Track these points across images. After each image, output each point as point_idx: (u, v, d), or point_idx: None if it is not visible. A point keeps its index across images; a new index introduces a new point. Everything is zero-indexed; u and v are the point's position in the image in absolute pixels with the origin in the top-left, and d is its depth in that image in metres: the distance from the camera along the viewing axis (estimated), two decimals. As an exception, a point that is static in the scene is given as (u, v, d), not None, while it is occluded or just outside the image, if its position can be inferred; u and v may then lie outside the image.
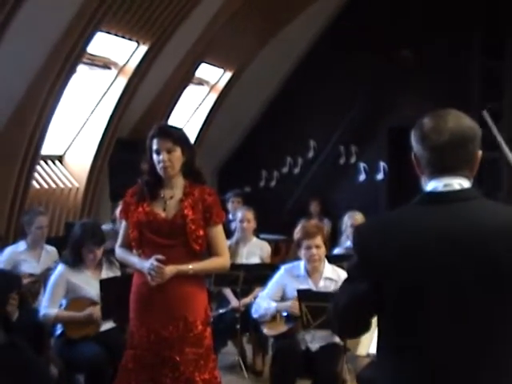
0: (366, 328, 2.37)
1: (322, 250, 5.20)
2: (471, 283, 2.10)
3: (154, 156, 3.91)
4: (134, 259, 4.05)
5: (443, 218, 2.15)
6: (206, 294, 4.13)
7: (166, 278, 3.83)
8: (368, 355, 4.04)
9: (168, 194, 3.97)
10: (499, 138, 5.71)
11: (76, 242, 5.13)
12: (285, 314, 5.23)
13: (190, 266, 3.91)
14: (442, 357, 2.12)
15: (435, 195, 2.21)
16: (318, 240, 5.17)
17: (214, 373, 4.03)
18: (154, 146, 3.89)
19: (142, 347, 3.94)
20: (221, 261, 4.07)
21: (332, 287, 5.08)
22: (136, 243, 3.98)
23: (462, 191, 2.20)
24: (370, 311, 2.28)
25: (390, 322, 2.22)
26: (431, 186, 2.23)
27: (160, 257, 3.85)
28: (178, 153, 3.89)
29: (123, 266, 5.36)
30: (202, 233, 3.93)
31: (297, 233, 5.29)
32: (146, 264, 3.88)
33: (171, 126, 4.11)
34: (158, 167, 3.90)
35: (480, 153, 2.28)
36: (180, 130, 4.07)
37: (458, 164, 2.21)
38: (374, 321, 2.33)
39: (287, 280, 5.28)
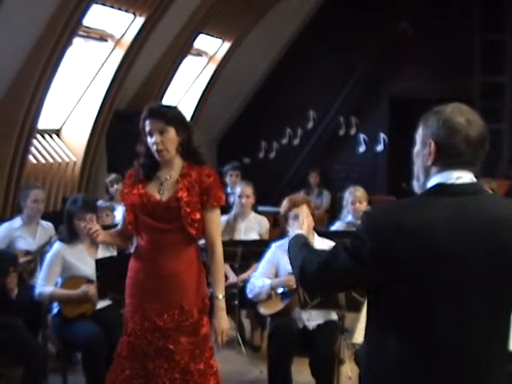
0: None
1: (310, 219, 5.03)
2: (481, 270, 2.17)
3: (148, 138, 3.75)
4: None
5: (457, 210, 2.20)
6: (204, 282, 3.95)
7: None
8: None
9: (164, 176, 3.81)
10: None
11: (68, 214, 5.15)
12: (281, 290, 5.18)
13: (220, 297, 3.82)
14: (448, 338, 2.19)
15: (449, 187, 2.25)
16: (305, 208, 5.09)
17: (209, 362, 3.87)
18: (147, 128, 3.74)
19: (135, 334, 3.81)
20: (219, 258, 3.89)
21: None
22: (132, 226, 3.83)
23: (474, 184, 2.27)
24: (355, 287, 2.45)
25: (395, 305, 2.24)
26: (442, 177, 2.26)
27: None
28: (171, 133, 3.71)
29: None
30: (198, 216, 3.74)
31: (283, 206, 5.20)
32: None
33: (164, 106, 3.89)
34: (153, 149, 3.74)
35: None
36: (173, 109, 3.86)
37: (475, 161, 2.28)
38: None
39: (279, 256, 5.20)
